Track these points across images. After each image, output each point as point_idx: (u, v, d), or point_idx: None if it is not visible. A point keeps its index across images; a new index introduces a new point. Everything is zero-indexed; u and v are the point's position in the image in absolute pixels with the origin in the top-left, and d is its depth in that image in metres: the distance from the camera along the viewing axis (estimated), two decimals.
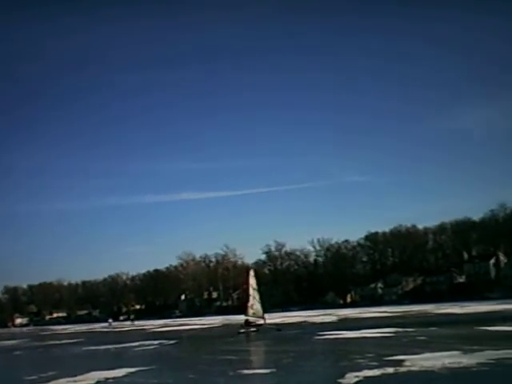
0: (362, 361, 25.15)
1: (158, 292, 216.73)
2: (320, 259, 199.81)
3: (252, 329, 55.46)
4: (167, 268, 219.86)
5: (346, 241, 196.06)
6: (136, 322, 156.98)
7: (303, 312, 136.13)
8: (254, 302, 56.99)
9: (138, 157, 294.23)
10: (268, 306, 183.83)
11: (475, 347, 27.14)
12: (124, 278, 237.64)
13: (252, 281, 57.99)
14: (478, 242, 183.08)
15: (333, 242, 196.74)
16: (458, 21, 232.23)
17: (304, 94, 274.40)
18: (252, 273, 60.58)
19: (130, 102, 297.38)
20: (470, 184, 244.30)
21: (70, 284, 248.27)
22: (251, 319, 56.88)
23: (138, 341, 54.34)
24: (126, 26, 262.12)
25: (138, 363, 30.60)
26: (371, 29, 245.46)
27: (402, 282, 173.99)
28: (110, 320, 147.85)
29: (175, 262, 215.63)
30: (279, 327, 58.33)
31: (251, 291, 57.23)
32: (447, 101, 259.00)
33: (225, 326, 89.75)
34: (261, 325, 56.36)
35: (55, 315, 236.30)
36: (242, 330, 55.27)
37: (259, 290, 58.17)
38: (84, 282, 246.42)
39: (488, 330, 39.11)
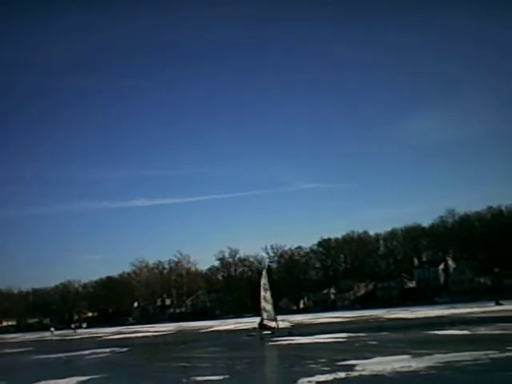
0: (314, 366, 25.44)
1: (111, 299, 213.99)
2: (273, 265, 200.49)
3: (266, 331, 53.35)
4: (120, 275, 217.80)
5: (299, 247, 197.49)
6: (79, 331, 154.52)
7: (257, 318, 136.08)
8: (266, 304, 55.18)
9: (89, 164, 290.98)
10: (222, 312, 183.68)
11: (424, 351, 27.70)
12: (76, 285, 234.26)
13: (264, 281, 56.10)
14: (428, 247, 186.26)
15: (286, 248, 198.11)
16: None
17: (252, 98, 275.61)
18: (264, 273, 58.92)
19: (78, 108, 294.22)
20: (419, 190, 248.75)
21: (20, 292, 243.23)
22: (266, 322, 55.00)
23: (89, 349, 53.72)
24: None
25: (90, 372, 30.28)
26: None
27: (354, 288, 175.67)
28: (52, 329, 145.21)
29: (128, 269, 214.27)
30: (290, 330, 56.20)
31: (262, 292, 55.35)
32: (399, 109, 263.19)
33: (179, 332, 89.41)
34: (274, 327, 54.34)
35: (4, 324, 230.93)
36: (253, 333, 53.73)
37: (272, 290, 56.13)
38: (35, 290, 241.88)
39: (437, 334, 39.89)
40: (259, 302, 55.30)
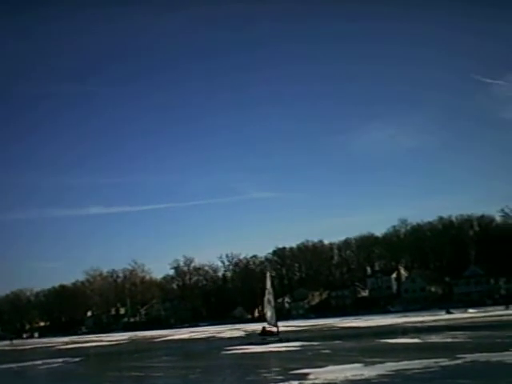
0: (268, 375, 25.66)
1: (64, 308, 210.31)
2: (228, 274, 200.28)
3: (271, 338, 51.64)
4: (74, 283, 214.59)
5: (255, 256, 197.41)
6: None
7: (211, 327, 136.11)
8: (270, 309, 54.14)
9: (43, 170, 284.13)
10: (176, 321, 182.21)
11: (376, 359, 28.18)
12: (28, 293, 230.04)
13: (268, 285, 54.73)
14: (381, 257, 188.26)
15: (241, 257, 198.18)
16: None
17: (207, 104, 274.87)
18: (268, 275, 57.47)
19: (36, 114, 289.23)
20: (373, 200, 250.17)
21: None
22: (268, 328, 53.96)
23: (41, 359, 52.98)
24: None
25: (40, 382, 29.97)
26: None
27: (309, 297, 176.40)
28: None
29: (82, 278, 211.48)
30: (288, 336, 54.43)
31: (267, 296, 54.25)
32: (351, 119, 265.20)
33: (133, 342, 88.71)
34: (278, 333, 53.07)
35: None
36: (255, 340, 52.12)
37: (274, 293, 54.93)
38: None
39: (389, 343, 40.55)
40: (263, 308, 54.00)
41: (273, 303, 54.64)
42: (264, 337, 52.62)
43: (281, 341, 49.58)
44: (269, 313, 54.44)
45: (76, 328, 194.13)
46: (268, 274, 57.90)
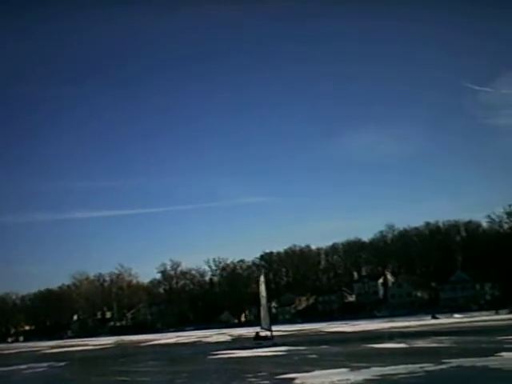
0: (254, 380, 25.66)
1: (50, 312, 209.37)
2: (215, 278, 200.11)
3: (266, 342, 51.31)
4: (60, 287, 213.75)
5: (242, 260, 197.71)
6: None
7: (198, 331, 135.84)
8: (265, 314, 54.14)
9: (42, 173, 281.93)
10: (163, 326, 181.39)
11: (363, 364, 28.27)
12: (13, 297, 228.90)
13: (262, 288, 54.59)
14: (368, 262, 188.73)
15: (228, 261, 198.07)
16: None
17: (200, 111, 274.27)
18: (262, 279, 57.04)
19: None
20: (359, 205, 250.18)
21: None
22: (262, 332, 53.85)
23: (26, 363, 52.69)
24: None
25: None
26: None
27: (296, 301, 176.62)
28: None
29: (68, 282, 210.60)
30: (283, 341, 54.68)
31: (263, 301, 54.05)
32: (347, 121, 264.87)
33: (119, 346, 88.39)
34: (273, 337, 52.80)
35: None
36: (249, 345, 51.56)
37: (268, 297, 54.58)
38: None
39: (375, 348, 40.65)
40: (259, 311, 53.81)
41: (266, 307, 54.52)
42: (259, 341, 52.43)
43: (276, 345, 49.35)
44: (262, 317, 54.28)
45: (62, 332, 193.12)
46: (262, 279, 57.57)
